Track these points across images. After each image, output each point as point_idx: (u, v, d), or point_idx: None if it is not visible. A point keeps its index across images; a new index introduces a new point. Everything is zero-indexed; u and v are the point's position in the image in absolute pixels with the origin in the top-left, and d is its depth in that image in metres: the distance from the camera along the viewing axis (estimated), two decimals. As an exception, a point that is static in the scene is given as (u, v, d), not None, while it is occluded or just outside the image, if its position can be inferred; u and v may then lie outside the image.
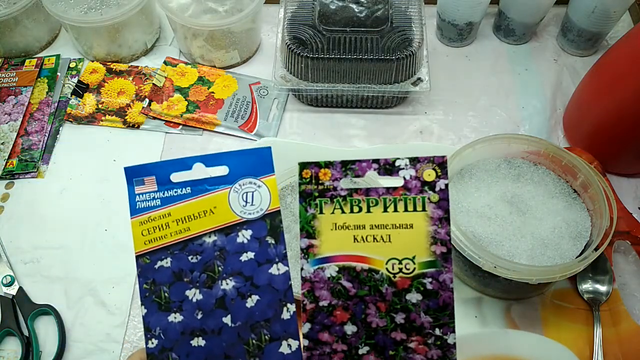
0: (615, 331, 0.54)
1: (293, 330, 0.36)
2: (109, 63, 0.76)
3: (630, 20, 0.79)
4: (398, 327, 0.34)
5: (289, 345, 0.36)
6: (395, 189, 0.34)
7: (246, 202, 0.37)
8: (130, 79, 0.75)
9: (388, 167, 0.34)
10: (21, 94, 0.73)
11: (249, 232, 0.37)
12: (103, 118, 0.71)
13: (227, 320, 0.36)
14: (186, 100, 0.72)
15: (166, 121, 0.71)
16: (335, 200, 0.35)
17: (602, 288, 0.56)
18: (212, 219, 0.37)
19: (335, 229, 0.34)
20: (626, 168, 0.65)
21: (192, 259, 0.37)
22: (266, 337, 0.36)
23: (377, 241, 0.34)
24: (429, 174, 0.34)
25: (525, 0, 0.72)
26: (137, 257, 0.36)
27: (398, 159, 0.34)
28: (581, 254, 0.51)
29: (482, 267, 0.49)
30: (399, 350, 0.34)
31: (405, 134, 0.70)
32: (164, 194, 0.37)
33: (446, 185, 0.34)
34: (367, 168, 0.34)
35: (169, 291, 0.36)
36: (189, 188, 0.37)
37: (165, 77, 0.74)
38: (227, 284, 0.37)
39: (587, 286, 0.56)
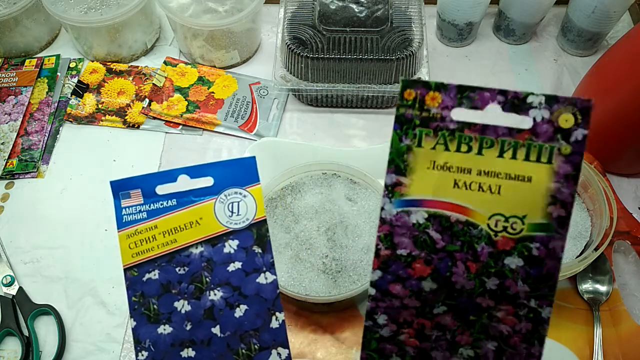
0: (615, 331, 0.54)
1: (282, 339, 0.36)
2: (109, 63, 0.76)
3: (630, 20, 0.79)
4: (487, 292, 0.29)
5: (279, 354, 0.36)
6: (520, 131, 0.28)
7: (232, 212, 0.37)
8: (130, 79, 0.75)
9: (517, 103, 0.28)
10: (21, 94, 0.73)
11: (236, 242, 0.36)
12: (103, 118, 0.71)
13: (216, 330, 0.36)
14: (186, 100, 0.72)
15: (166, 121, 0.71)
16: (440, 133, 0.28)
17: (602, 288, 0.56)
18: (199, 230, 0.36)
19: (434, 168, 0.29)
20: (626, 168, 0.65)
21: (179, 270, 0.36)
22: (255, 346, 0.36)
23: (483, 191, 0.28)
24: (566, 119, 0.29)
25: (525, 0, 0.72)
26: (125, 269, 0.36)
27: (531, 94, 0.28)
28: (581, 254, 0.51)
29: (482, 267, 0.49)
30: (483, 317, 0.29)
31: (405, 134, 0.69)
32: (150, 206, 0.37)
33: (584, 136, 0.29)
34: (489, 99, 0.28)
35: (157, 303, 0.36)
36: (175, 200, 0.37)
37: (165, 77, 0.74)
38: (215, 294, 0.36)
39: (587, 286, 0.56)
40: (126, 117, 0.71)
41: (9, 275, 0.58)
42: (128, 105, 0.72)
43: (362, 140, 0.69)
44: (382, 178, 0.57)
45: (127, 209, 0.37)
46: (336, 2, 0.66)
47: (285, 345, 0.36)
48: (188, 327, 0.36)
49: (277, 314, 0.36)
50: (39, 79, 0.75)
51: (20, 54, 0.78)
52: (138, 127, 0.70)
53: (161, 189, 0.37)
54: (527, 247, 0.28)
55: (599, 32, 0.72)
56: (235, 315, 0.36)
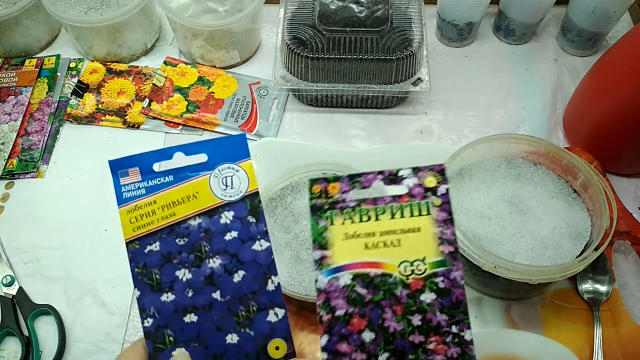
0: (615, 331, 0.54)
1: (278, 300, 0.39)
2: (109, 63, 0.76)
3: (630, 20, 0.79)
4: (415, 329, 0.34)
5: (276, 314, 0.39)
6: (400, 196, 0.36)
7: (226, 185, 0.39)
8: (130, 79, 0.75)
9: (392, 177, 0.36)
10: (21, 94, 0.73)
11: (231, 213, 0.39)
12: (103, 118, 0.71)
13: (216, 295, 0.38)
14: (186, 100, 0.72)
15: (166, 121, 0.71)
16: (344, 211, 0.36)
17: (602, 288, 0.56)
18: (196, 203, 0.39)
19: (347, 238, 0.36)
20: (626, 168, 0.65)
21: (179, 241, 0.39)
22: (254, 308, 0.38)
23: (387, 246, 0.35)
24: (430, 181, 0.36)
25: (525, 0, 0.72)
26: (126, 243, 0.39)
27: (401, 169, 0.36)
28: (581, 254, 0.51)
29: (482, 267, 0.49)
30: (419, 353, 0.34)
31: (405, 134, 0.70)
32: (148, 183, 0.39)
33: (447, 189, 0.36)
34: (372, 179, 0.36)
35: (159, 273, 0.39)
36: (172, 176, 0.39)
37: (165, 77, 0.74)
38: (214, 262, 0.39)
39: (587, 286, 0.56)
40: (126, 117, 0.71)
41: (9, 275, 0.58)
42: (128, 105, 0.72)
43: (362, 140, 0.69)
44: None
45: (126, 186, 0.39)
46: (336, 2, 0.66)
47: (282, 306, 0.39)
48: (190, 294, 0.38)
49: (272, 277, 0.39)
50: (39, 79, 0.75)
51: (20, 54, 0.78)
52: (138, 127, 0.70)
53: (158, 166, 0.39)
54: (434, 282, 0.35)
55: (599, 32, 0.72)
56: (234, 280, 0.39)
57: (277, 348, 0.39)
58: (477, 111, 0.72)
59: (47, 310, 0.56)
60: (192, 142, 0.39)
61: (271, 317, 0.39)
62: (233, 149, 0.40)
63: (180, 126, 0.70)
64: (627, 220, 0.59)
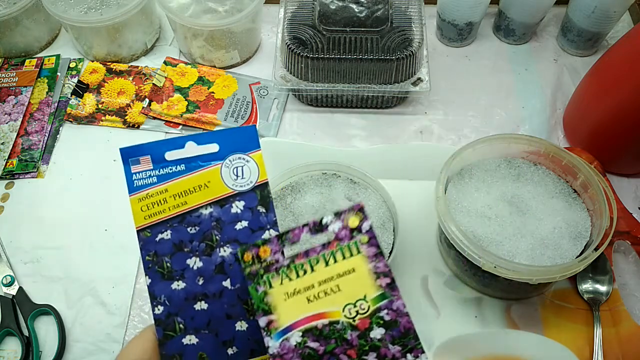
0: (615, 331, 0.54)
1: None
2: (109, 63, 0.76)
3: (630, 20, 0.79)
4: None
5: None
6: (329, 243, 0.37)
7: (237, 175, 0.40)
8: (130, 79, 0.75)
9: (317, 227, 0.37)
10: (21, 94, 0.73)
11: (242, 202, 0.40)
12: (103, 118, 0.71)
13: (226, 284, 0.39)
14: (186, 100, 0.72)
15: (166, 121, 0.71)
16: (280, 271, 0.36)
17: (602, 288, 0.56)
18: (207, 193, 0.39)
19: (288, 297, 0.36)
20: (626, 168, 0.65)
21: (190, 230, 0.39)
22: None
23: (328, 294, 0.36)
24: (353, 221, 0.37)
25: (525, 0, 0.72)
26: (138, 231, 0.39)
27: (323, 217, 0.37)
28: (581, 254, 0.51)
29: (482, 267, 0.49)
30: None
31: (405, 134, 0.70)
32: (159, 171, 0.39)
33: (370, 226, 0.37)
34: (299, 233, 0.37)
35: (170, 261, 0.39)
36: (183, 165, 0.39)
37: (165, 77, 0.74)
38: (224, 250, 0.39)
39: (587, 286, 0.56)
40: (126, 117, 0.71)
41: (9, 275, 0.58)
42: (128, 105, 0.72)
43: (362, 140, 0.69)
44: (382, 178, 0.57)
45: (137, 174, 0.39)
46: (336, 2, 0.66)
47: None
48: (200, 282, 0.39)
49: None
50: (39, 79, 0.75)
51: (20, 54, 0.78)
52: (138, 127, 0.70)
53: (170, 155, 0.39)
54: (379, 316, 0.35)
55: (599, 32, 0.72)
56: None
57: None
58: (477, 111, 0.72)
59: (47, 310, 0.56)
60: (203, 132, 0.40)
61: None
62: (244, 140, 0.40)
63: (180, 126, 0.70)
64: (627, 220, 0.59)
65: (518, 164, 0.57)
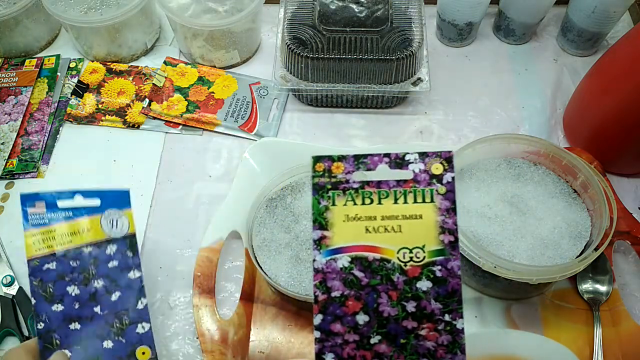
0: (615, 331, 0.54)
1: (146, 316, 0.48)
2: (109, 63, 0.76)
3: (630, 20, 0.79)
4: (409, 315, 0.35)
5: (143, 327, 0.48)
6: (405, 181, 0.36)
7: (112, 225, 0.50)
8: (130, 79, 0.75)
9: (398, 161, 0.36)
10: (21, 94, 0.73)
11: (115, 246, 0.49)
12: (103, 118, 0.71)
13: (97, 309, 0.48)
14: (186, 100, 0.72)
15: (166, 121, 0.71)
16: (347, 192, 0.36)
17: (602, 288, 0.56)
18: (88, 236, 0.49)
19: (348, 220, 0.35)
20: (626, 168, 0.65)
21: (72, 263, 0.48)
22: (126, 321, 0.48)
23: (388, 232, 0.35)
24: (436, 168, 0.35)
25: (525, 0, 0.72)
26: (28, 260, 0.47)
27: (408, 153, 0.36)
28: (581, 254, 0.51)
29: (482, 267, 0.49)
30: (410, 338, 0.34)
31: (405, 134, 0.70)
32: (50, 215, 0.49)
33: (453, 178, 0.35)
34: (378, 162, 0.36)
35: (53, 287, 0.48)
36: (71, 212, 0.49)
37: (165, 77, 0.74)
38: (98, 283, 0.49)
39: (587, 286, 0.56)
40: (126, 117, 0.71)
41: (9, 275, 0.58)
42: (128, 105, 0.72)
43: (362, 140, 0.69)
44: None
45: (32, 215, 0.48)
46: (336, 2, 0.66)
47: (148, 321, 0.48)
48: (76, 307, 0.48)
49: (142, 298, 0.49)
50: (39, 79, 0.75)
51: (20, 54, 0.78)
52: (138, 127, 0.70)
53: (61, 203, 0.49)
54: (431, 270, 0.35)
55: (599, 32, 0.72)
56: (112, 299, 0.49)
57: (143, 353, 0.48)
58: (477, 111, 0.72)
59: (47, 310, 0.57)
60: (89, 189, 0.50)
61: (139, 329, 0.48)
62: (120, 200, 0.50)
63: (180, 126, 0.70)
64: (627, 220, 0.59)
65: (518, 164, 0.57)
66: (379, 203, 0.35)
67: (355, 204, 0.35)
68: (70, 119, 0.71)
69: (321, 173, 0.36)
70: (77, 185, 0.66)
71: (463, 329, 0.34)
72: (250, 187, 0.60)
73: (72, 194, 0.49)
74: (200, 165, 0.67)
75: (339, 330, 0.35)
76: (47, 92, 0.73)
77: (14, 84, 0.74)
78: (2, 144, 0.68)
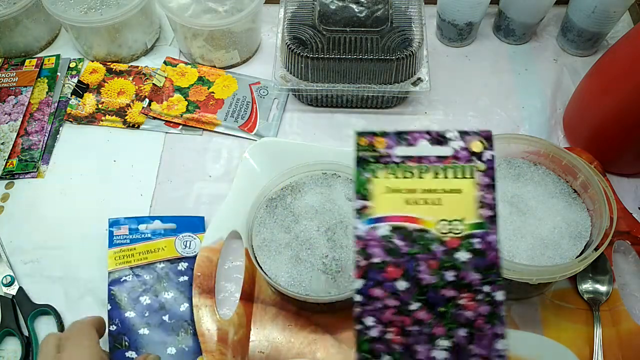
0: (615, 331, 0.54)
1: None
2: (109, 63, 0.76)
3: (630, 20, 0.79)
4: (448, 284, 0.35)
5: None
6: (445, 157, 0.36)
7: (185, 246, 0.58)
8: (130, 79, 0.75)
9: (439, 138, 0.37)
10: (21, 94, 0.73)
11: (186, 264, 0.58)
12: (103, 118, 0.71)
13: (165, 318, 0.55)
14: (186, 100, 0.72)
15: (166, 121, 0.71)
16: (389, 166, 0.37)
17: (602, 288, 0.56)
18: (163, 254, 0.58)
19: (388, 192, 0.36)
20: (626, 168, 0.65)
21: (146, 277, 0.56)
22: (191, 331, 0.54)
23: (428, 204, 0.36)
24: (476, 145, 0.36)
25: (525, 0, 0.72)
26: (109, 272, 0.56)
27: (448, 131, 0.37)
28: (581, 254, 0.51)
29: (482, 267, 0.49)
30: (449, 306, 0.35)
31: (405, 134, 0.70)
32: (132, 236, 0.58)
33: (492, 156, 0.36)
34: (419, 138, 0.37)
35: (127, 297, 0.55)
36: (150, 234, 0.59)
37: (165, 77, 0.74)
38: (168, 295, 0.56)
39: (587, 286, 0.56)
40: (126, 117, 0.71)
41: (9, 275, 0.59)
42: (128, 105, 0.72)
43: (362, 140, 0.69)
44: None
45: (117, 236, 0.58)
46: (336, 2, 0.66)
47: None
48: (146, 314, 0.54)
49: None
50: (39, 79, 0.75)
51: (20, 54, 0.78)
52: (138, 127, 0.70)
53: (142, 227, 0.59)
54: (470, 242, 0.35)
55: (599, 32, 0.72)
56: (180, 310, 0.55)
57: None
58: (477, 111, 0.72)
59: (47, 310, 0.56)
60: (168, 215, 0.60)
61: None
62: (194, 225, 0.60)
63: (180, 126, 0.70)
64: (627, 220, 0.59)
65: (518, 164, 0.57)
66: (420, 177, 0.36)
67: (396, 177, 0.36)
68: (70, 119, 0.71)
69: (365, 147, 0.37)
70: (77, 185, 0.66)
71: (502, 301, 0.35)
72: (250, 187, 0.60)
73: (152, 219, 0.59)
74: (200, 165, 0.67)
75: (379, 295, 0.35)
76: (47, 92, 0.74)
77: (14, 84, 0.74)
78: (2, 144, 0.68)
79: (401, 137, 0.37)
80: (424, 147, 0.37)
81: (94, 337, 0.48)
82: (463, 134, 0.36)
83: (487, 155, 0.36)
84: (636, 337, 0.53)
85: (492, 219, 0.35)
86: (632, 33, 0.58)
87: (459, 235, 0.35)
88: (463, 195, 0.36)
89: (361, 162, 0.37)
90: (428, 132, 0.37)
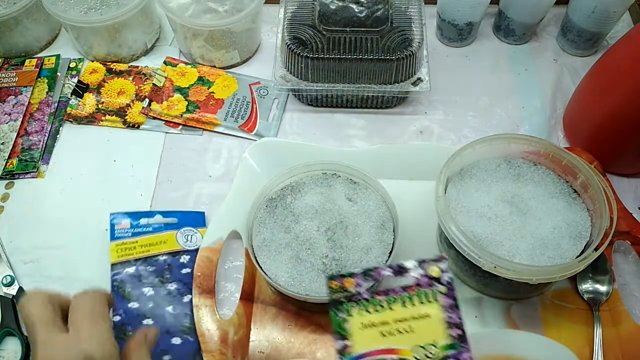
0: (615, 331, 0.54)
1: None
2: (109, 63, 0.76)
3: (630, 20, 0.79)
4: None
5: None
6: (410, 286, 0.40)
7: (187, 240, 0.59)
8: (130, 79, 0.75)
9: (401, 270, 0.40)
10: (21, 94, 0.73)
11: (188, 256, 0.58)
12: (103, 118, 0.71)
13: (169, 309, 0.55)
14: (186, 100, 0.72)
15: (166, 121, 0.71)
16: (360, 302, 0.40)
17: (602, 288, 0.56)
18: (165, 247, 0.58)
19: (364, 328, 0.39)
20: (626, 168, 0.65)
21: (149, 268, 0.57)
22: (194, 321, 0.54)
23: (401, 333, 0.39)
24: (435, 271, 0.40)
25: (525, 0, 0.72)
26: (112, 264, 0.57)
27: (408, 261, 0.40)
28: (581, 254, 0.51)
29: (482, 267, 0.49)
30: None
31: (405, 134, 0.70)
32: (134, 230, 0.59)
33: (451, 278, 0.40)
34: (382, 272, 0.40)
35: (131, 288, 0.56)
36: (151, 227, 0.59)
37: (165, 77, 0.74)
38: (171, 286, 0.56)
39: (587, 286, 0.56)
40: (126, 117, 0.71)
41: (9, 275, 0.58)
42: (128, 105, 0.72)
43: (362, 140, 0.69)
44: (382, 178, 0.57)
45: (119, 230, 0.59)
46: (336, 2, 0.66)
47: None
48: (150, 305, 0.55)
49: None
50: (39, 79, 0.75)
51: (20, 54, 0.78)
52: (138, 127, 0.70)
53: (143, 221, 0.59)
54: None
55: (599, 32, 0.72)
56: (183, 300, 0.55)
57: None
58: (477, 111, 0.72)
59: (47, 310, 0.56)
60: (169, 210, 0.61)
61: None
62: (195, 219, 0.60)
63: (180, 126, 0.70)
64: (627, 220, 0.59)
65: (518, 164, 0.57)
66: (390, 309, 0.40)
67: (369, 312, 0.39)
68: (70, 119, 0.71)
69: (336, 289, 0.40)
70: (77, 185, 0.66)
71: None
72: (250, 187, 0.60)
73: (153, 214, 0.60)
74: (200, 165, 0.67)
75: None
76: (47, 92, 0.74)
77: (14, 84, 0.74)
78: (2, 144, 0.68)
79: (367, 274, 0.40)
80: (389, 280, 0.40)
81: (107, 315, 0.41)
82: (421, 262, 0.40)
83: (445, 277, 0.40)
84: (636, 337, 0.53)
85: (462, 337, 0.38)
86: (632, 33, 0.58)
87: (435, 358, 0.38)
88: (432, 319, 0.39)
89: (335, 304, 0.40)
90: (390, 266, 0.40)
